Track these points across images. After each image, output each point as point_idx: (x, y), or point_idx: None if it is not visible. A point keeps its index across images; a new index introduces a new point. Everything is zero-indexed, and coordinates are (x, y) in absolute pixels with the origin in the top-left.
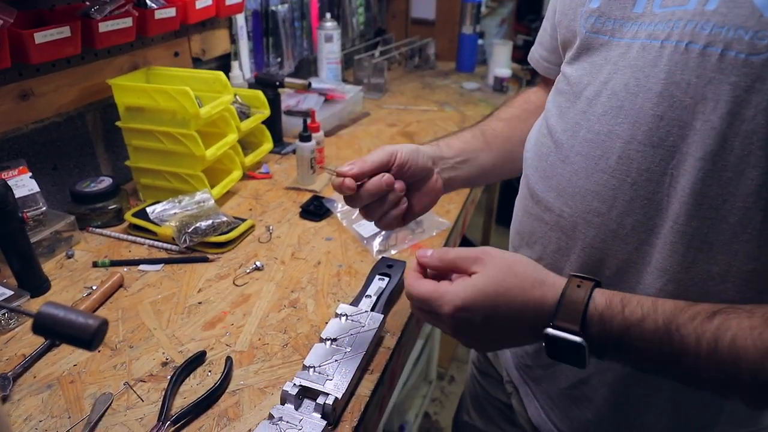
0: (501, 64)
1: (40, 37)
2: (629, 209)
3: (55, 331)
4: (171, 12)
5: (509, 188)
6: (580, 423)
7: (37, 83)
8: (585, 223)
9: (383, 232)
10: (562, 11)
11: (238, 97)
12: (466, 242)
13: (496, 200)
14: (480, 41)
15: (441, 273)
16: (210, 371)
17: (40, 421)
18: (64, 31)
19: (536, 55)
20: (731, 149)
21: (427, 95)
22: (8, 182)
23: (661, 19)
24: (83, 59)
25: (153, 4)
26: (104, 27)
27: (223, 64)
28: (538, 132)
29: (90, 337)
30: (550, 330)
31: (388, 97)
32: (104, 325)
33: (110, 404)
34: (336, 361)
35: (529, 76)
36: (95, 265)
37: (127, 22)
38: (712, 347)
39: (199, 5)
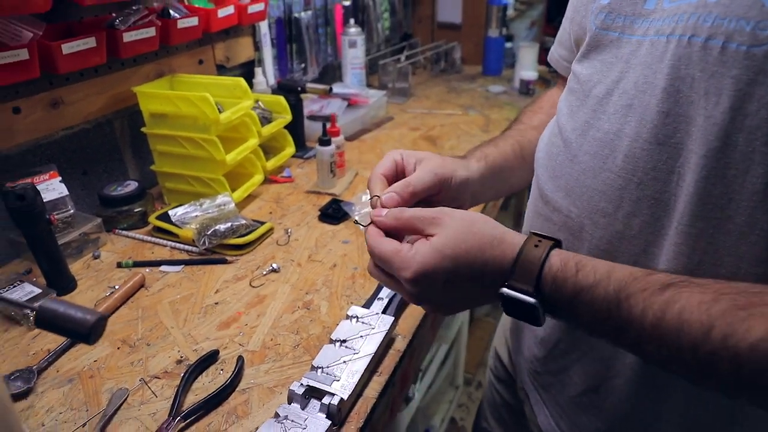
0: (527, 67)
1: (67, 48)
2: (636, 209)
3: (55, 325)
4: (193, 21)
5: None
6: (589, 431)
7: (66, 92)
8: (592, 224)
9: None
10: (575, 7)
11: (260, 103)
12: None
13: (525, 206)
14: (508, 44)
15: (399, 233)
16: (222, 370)
17: (60, 413)
18: (90, 42)
19: (556, 54)
20: (735, 146)
21: (452, 99)
22: (39, 186)
23: (669, 14)
24: (110, 68)
25: (176, 14)
26: (128, 37)
27: (248, 70)
28: (550, 132)
29: (87, 331)
30: (505, 289)
31: (412, 102)
32: (102, 320)
33: (125, 399)
34: (344, 362)
35: (556, 78)
36: (119, 265)
37: (151, 32)
38: (657, 319)
39: (221, 14)
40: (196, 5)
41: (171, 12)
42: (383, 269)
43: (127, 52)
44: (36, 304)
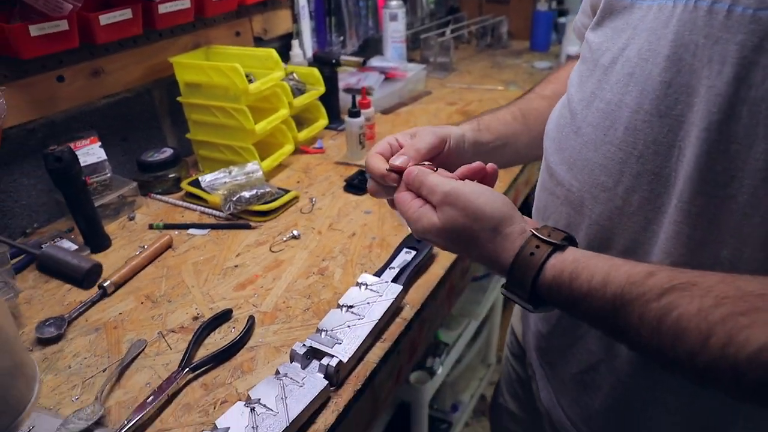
0: (573, 42)
1: (105, 19)
2: (636, 184)
3: (54, 269)
4: None
5: None
6: (589, 411)
7: (106, 62)
8: (592, 198)
9: None
10: None
11: (294, 75)
12: None
13: None
14: (562, 19)
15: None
16: (234, 328)
17: (85, 358)
18: (126, 13)
19: (578, 23)
20: (738, 118)
21: (494, 74)
22: (80, 150)
23: None
24: (148, 39)
25: None
26: (163, 8)
27: (285, 43)
28: (561, 104)
29: (81, 277)
30: (503, 290)
31: (454, 77)
32: (96, 267)
33: (143, 349)
34: (348, 327)
35: None
36: (151, 227)
37: (186, 3)
38: (654, 326)
39: None
40: None
41: None
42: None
43: (162, 23)
44: (38, 251)
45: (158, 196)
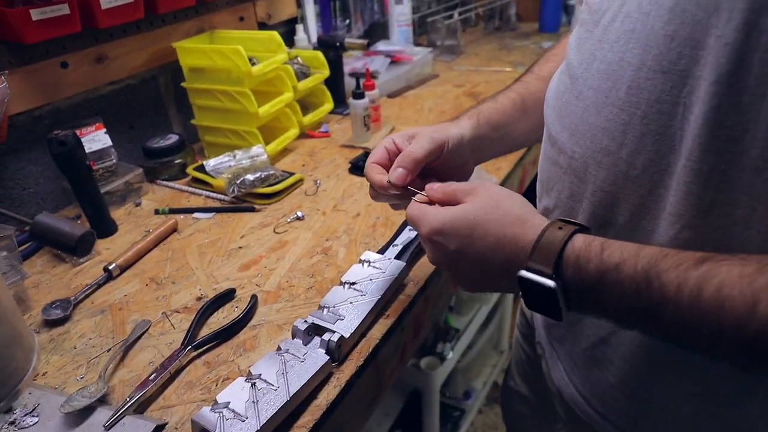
0: None
1: (105, 2)
2: (640, 146)
3: (47, 237)
4: None
5: None
6: (602, 386)
7: (110, 48)
8: (595, 164)
9: None
10: None
11: (299, 59)
12: None
13: None
14: (572, 0)
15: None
16: (237, 307)
17: (90, 339)
18: None
19: None
20: (749, 67)
21: (502, 56)
22: (86, 137)
23: None
24: (151, 25)
25: None
26: None
27: (290, 28)
28: (560, 71)
29: (74, 243)
30: (522, 272)
31: (461, 59)
32: (89, 234)
33: (147, 329)
34: (350, 303)
35: None
36: (157, 212)
37: None
38: (695, 296)
39: None
40: None
41: None
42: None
43: (164, 7)
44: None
45: (164, 182)
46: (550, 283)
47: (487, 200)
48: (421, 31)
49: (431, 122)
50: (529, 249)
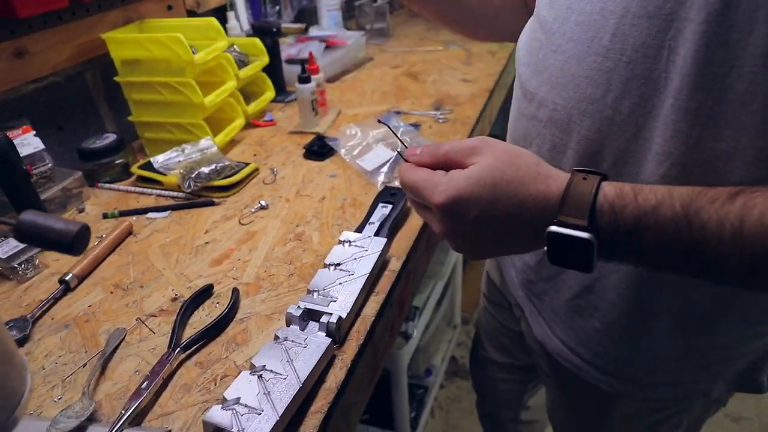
0: None
1: None
2: (625, 91)
3: (37, 237)
4: None
5: None
6: (586, 333)
7: (30, 41)
8: (579, 113)
9: (387, 165)
10: None
11: (235, 47)
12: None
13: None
14: None
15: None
16: (218, 303)
17: (60, 356)
18: None
19: None
20: (737, 5)
21: (432, 36)
22: (14, 141)
23: None
24: (74, 15)
25: None
26: None
27: (219, 16)
28: (530, 28)
29: (71, 241)
30: (553, 227)
31: (392, 42)
32: (85, 229)
33: (123, 338)
34: (340, 284)
35: None
36: (105, 216)
37: None
38: (737, 229)
39: None
40: None
41: None
42: (417, 200)
43: None
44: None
45: (107, 185)
46: (585, 235)
47: (499, 158)
48: (349, 15)
49: (376, 103)
50: (555, 204)
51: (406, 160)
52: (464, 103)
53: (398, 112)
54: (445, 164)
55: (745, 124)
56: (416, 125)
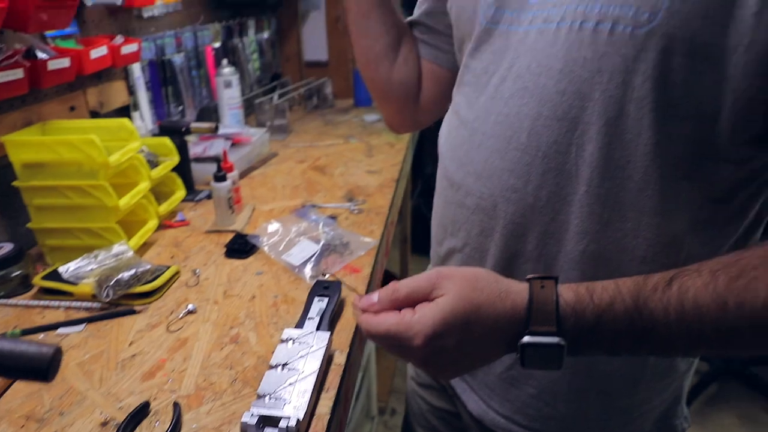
0: None
1: None
2: (543, 181)
3: (11, 367)
4: (65, 62)
5: (422, 219)
6: (521, 401)
7: None
8: (504, 201)
9: (314, 258)
10: (460, 6)
11: (145, 147)
12: (388, 276)
13: (409, 230)
14: None
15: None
16: (158, 421)
17: None
18: None
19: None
20: (627, 114)
21: (330, 131)
22: None
23: (553, 5)
24: None
25: (44, 55)
26: None
27: (123, 116)
28: (449, 125)
29: (47, 365)
30: (526, 338)
31: (293, 137)
32: (58, 351)
33: None
34: (290, 384)
35: None
36: (3, 336)
37: (18, 74)
38: (679, 312)
39: (94, 55)
40: (64, 46)
41: (38, 53)
42: (390, 344)
43: None
44: None
45: (2, 300)
46: (556, 340)
47: (464, 287)
48: (248, 113)
49: (288, 197)
50: (524, 317)
51: (364, 311)
52: (374, 194)
53: (314, 206)
54: (408, 304)
55: (644, 207)
56: (333, 217)
